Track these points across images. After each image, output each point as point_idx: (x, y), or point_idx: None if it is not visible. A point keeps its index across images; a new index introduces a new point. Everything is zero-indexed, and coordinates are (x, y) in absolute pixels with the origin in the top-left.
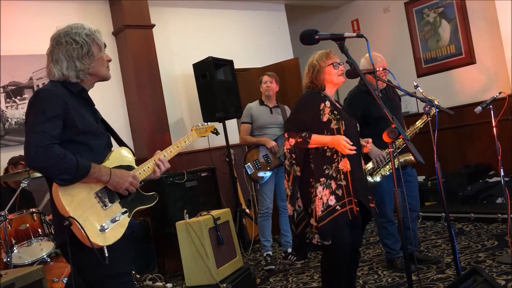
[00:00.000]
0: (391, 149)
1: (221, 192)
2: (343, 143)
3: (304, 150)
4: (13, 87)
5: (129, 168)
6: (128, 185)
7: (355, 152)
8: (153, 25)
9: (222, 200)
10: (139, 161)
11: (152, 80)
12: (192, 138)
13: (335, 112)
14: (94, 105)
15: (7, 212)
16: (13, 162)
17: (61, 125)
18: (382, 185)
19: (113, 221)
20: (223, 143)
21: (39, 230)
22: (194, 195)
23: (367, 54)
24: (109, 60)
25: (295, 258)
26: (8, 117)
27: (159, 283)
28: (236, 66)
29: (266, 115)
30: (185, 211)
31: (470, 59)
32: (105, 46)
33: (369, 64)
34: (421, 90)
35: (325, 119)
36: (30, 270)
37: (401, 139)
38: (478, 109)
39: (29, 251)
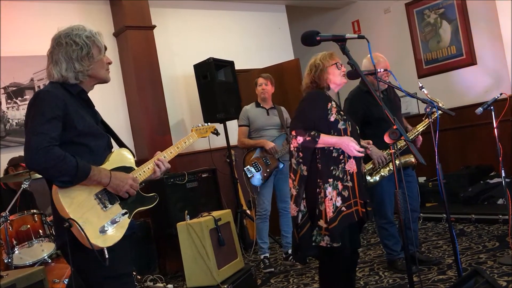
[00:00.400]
0: (393, 150)
1: (222, 193)
2: (352, 145)
3: (311, 149)
4: (14, 88)
5: (129, 169)
6: (128, 188)
7: (363, 154)
8: (154, 26)
9: (223, 201)
10: (139, 162)
11: (153, 81)
12: (192, 139)
13: (341, 112)
14: (94, 106)
15: (8, 213)
16: (13, 163)
17: (61, 127)
18: (382, 186)
19: (113, 222)
20: (224, 144)
21: (40, 231)
22: (195, 196)
23: (369, 55)
24: (109, 63)
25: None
26: (9, 118)
27: (160, 284)
28: (237, 67)
29: (263, 117)
30: (186, 212)
31: (471, 60)
32: (105, 48)
33: (371, 65)
34: (426, 92)
35: (332, 119)
36: (31, 271)
37: (402, 140)
38: (479, 110)
39: (30, 252)
